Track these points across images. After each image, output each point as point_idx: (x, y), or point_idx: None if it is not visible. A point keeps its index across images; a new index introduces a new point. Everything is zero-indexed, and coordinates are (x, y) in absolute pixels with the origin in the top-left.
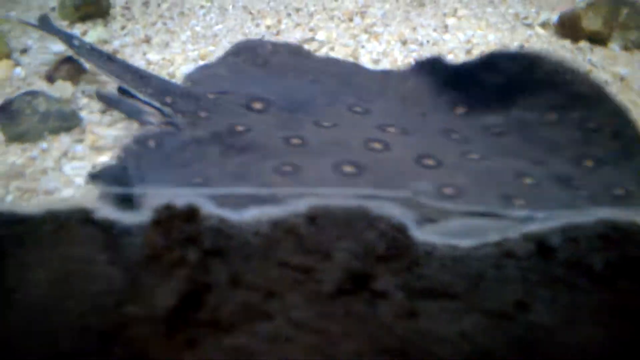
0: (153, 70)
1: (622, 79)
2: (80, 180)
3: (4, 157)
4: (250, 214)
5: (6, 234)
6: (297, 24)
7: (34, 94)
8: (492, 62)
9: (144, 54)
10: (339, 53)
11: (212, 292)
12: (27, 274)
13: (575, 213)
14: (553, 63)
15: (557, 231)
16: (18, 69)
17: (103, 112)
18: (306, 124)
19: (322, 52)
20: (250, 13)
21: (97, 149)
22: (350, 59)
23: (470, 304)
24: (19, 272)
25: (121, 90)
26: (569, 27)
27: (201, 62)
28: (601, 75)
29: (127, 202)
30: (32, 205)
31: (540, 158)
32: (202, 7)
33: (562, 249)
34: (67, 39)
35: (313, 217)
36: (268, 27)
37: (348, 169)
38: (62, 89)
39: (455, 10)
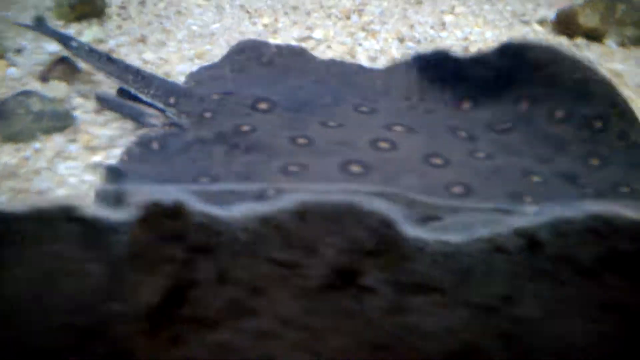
0: (149, 69)
1: (618, 75)
2: (74, 180)
3: None
4: (238, 210)
5: None
6: (294, 23)
7: (27, 94)
8: (501, 55)
9: (140, 53)
10: (336, 51)
11: (196, 288)
12: (5, 271)
13: (566, 208)
14: (567, 59)
15: (547, 226)
16: (12, 69)
17: (97, 112)
18: (312, 124)
19: (319, 50)
20: (247, 12)
21: (91, 149)
22: (348, 57)
23: (458, 299)
24: None
25: (120, 92)
26: (566, 24)
27: (197, 61)
28: None
29: (120, 200)
30: (16, 203)
31: (547, 156)
32: (198, 5)
33: (551, 244)
34: (65, 40)
35: (302, 213)
36: (265, 26)
37: (355, 168)
38: (56, 89)
39: (453, 8)
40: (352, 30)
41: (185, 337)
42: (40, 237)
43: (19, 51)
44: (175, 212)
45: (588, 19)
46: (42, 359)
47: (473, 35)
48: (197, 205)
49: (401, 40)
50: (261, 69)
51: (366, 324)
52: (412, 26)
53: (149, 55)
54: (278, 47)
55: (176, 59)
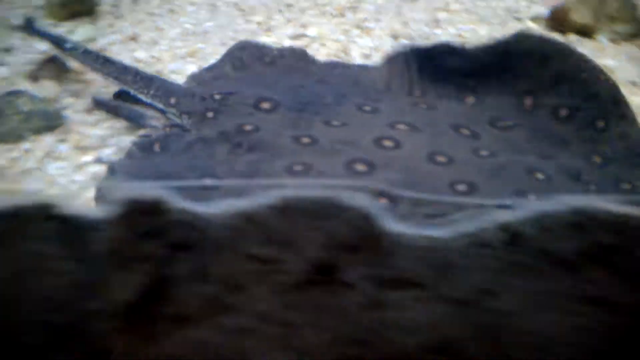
0: (141, 68)
1: (609, 71)
2: (64, 180)
3: None
4: (220, 207)
5: None
6: (289, 20)
7: (17, 93)
8: (508, 48)
9: (132, 51)
10: (330, 49)
11: (174, 285)
12: None
13: (551, 202)
14: (575, 57)
15: (530, 220)
16: (1, 69)
17: (87, 111)
18: (315, 124)
19: (313, 48)
20: (241, 10)
21: (82, 149)
22: (342, 55)
23: (438, 294)
24: None
25: (117, 95)
26: (559, 21)
27: (190, 59)
28: None
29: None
30: None
31: (550, 153)
32: (192, 3)
33: (534, 238)
34: (59, 42)
35: (283, 209)
36: (259, 24)
37: (360, 167)
38: (46, 88)
39: (447, 4)
40: (346, 27)
41: (163, 334)
42: (18, 235)
43: (8, 50)
44: (154, 209)
45: (581, 15)
46: (18, 357)
47: (467, 32)
48: (176, 202)
49: (395, 37)
50: (263, 68)
51: (345, 319)
52: (406, 23)
53: (140, 54)
54: (280, 49)
55: (168, 57)
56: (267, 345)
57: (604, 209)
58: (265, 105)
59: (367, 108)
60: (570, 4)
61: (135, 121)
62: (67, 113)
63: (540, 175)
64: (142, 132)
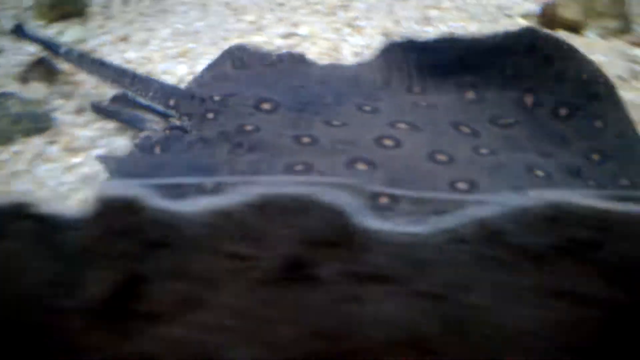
0: (132, 69)
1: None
2: (53, 182)
3: None
4: (197, 204)
5: None
6: (280, 19)
7: (6, 95)
8: (511, 43)
9: (122, 52)
10: (321, 47)
11: (149, 282)
12: None
13: (526, 197)
14: (577, 57)
15: (508, 215)
16: None
17: (77, 113)
18: (316, 124)
19: (304, 47)
20: (233, 9)
21: (72, 151)
22: (333, 53)
23: (412, 289)
24: None
25: (114, 99)
26: (549, 17)
27: (181, 59)
28: None
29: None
30: None
31: (550, 151)
32: (183, 3)
33: (511, 233)
34: (53, 47)
35: (260, 206)
36: (250, 23)
37: (361, 166)
38: (36, 90)
39: (438, 2)
40: (337, 26)
41: (137, 331)
42: None
43: None
44: (130, 207)
45: (569, 12)
46: None
47: (457, 29)
48: (153, 200)
49: (386, 35)
50: (262, 69)
51: (318, 314)
52: (397, 21)
53: (131, 55)
54: (279, 55)
55: (159, 57)
56: (240, 341)
57: (584, 204)
58: (266, 105)
59: (367, 108)
60: (560, 0)
61: (135, 125)
62: (57, 115)
63: (540, 173)
64: (142, 134)
